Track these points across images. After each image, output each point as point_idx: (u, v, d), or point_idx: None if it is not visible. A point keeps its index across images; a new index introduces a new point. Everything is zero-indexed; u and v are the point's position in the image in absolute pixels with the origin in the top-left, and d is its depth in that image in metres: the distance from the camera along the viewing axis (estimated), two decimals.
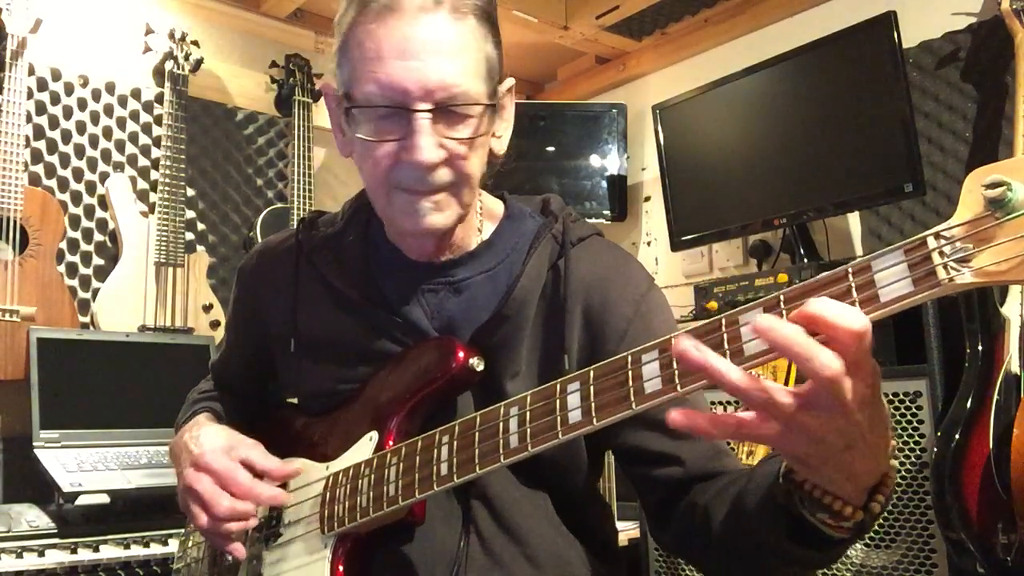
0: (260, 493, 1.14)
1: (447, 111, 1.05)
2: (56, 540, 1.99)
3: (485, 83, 1.08)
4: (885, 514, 2.04)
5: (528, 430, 0.92)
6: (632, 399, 0.83)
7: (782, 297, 0.74)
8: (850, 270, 0.70)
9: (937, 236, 0.67)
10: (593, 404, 0.86)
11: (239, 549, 1.16)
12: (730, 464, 1.11)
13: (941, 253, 0.66)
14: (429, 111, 1.04)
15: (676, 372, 0.79)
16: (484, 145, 1.12)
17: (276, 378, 1.33)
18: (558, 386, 0.91)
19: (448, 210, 1.11)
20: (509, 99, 1.17)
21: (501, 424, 0.95)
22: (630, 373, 0.84)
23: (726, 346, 0.76)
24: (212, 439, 1.21)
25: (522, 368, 1.14)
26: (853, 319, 0.69)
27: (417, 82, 1.03)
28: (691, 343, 0.73)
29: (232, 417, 1.35)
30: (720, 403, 2.39)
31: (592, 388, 0.87)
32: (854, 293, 0.70)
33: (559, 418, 0.89)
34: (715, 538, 1.02)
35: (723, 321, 0.76)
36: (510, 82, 1.16)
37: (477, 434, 0.97)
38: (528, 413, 0.92)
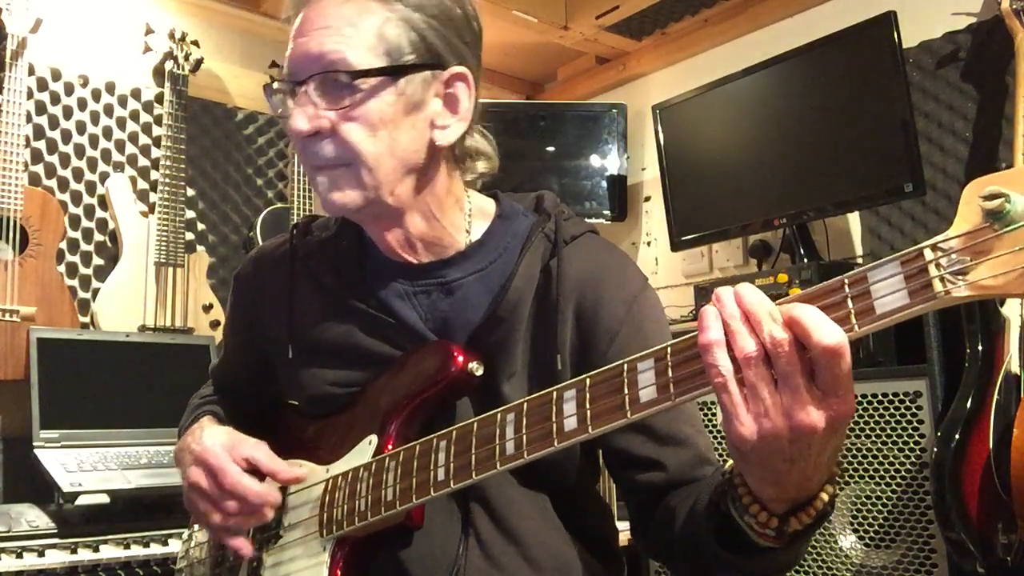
0: (247, 487, 1.14)
1: (329, 83, 1.07)
2: (56, 540, 1.99)
3: (378, 58, 1.07)
4: (885, 514, 2.04)
5: (524, 437, 0.92)
6: (627, 408, 0.83)
7: None
8: (846, 281, 0.70)
9: (934, 248, 0.66)
10: (589, 412, 0.86)
11: (245, 546, 1.16)
12: (711, 473, 1.11)
13: (938, 265, 0.65)
14: (303, 82, 1.07)
15: (671, 381, 0.80)
16: (382, 120, 1.08)
17: (275, 382, 1.34)
18: (554, 393, 0.91)
19: (348, 189, 1.10)
20: (462, 89, 1.13)
21: (497, 430, 0.95)
22: (626, 380, 0.83)
23: None
24: (213, 438, 1.21)
25: (518, 369, 1.14)
26: (827, 332, 0.70)
27: (301, 56, 1.08)
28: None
29: (234, 419, 1.35)
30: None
31: (588, 396, 0.87)
32: (849, 304, 0.70)
33: (555, 426, 0.89)
34: (676, 540, 1.03)
35: None
36: (456, 69, 1.13)
37: (474, 440, 0.97)
38: (524, 420, 0.92)
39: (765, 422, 0.74)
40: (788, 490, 0.80)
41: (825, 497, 0.82)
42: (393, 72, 1.08)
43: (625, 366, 0.84)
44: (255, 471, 1.17)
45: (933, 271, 0.66)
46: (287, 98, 1.11)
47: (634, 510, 1.17)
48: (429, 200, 1.16)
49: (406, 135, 1.10)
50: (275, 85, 1.14)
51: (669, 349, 0.81)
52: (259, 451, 1.18)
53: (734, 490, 0.85)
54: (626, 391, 0.83)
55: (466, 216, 1.22)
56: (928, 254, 0.66)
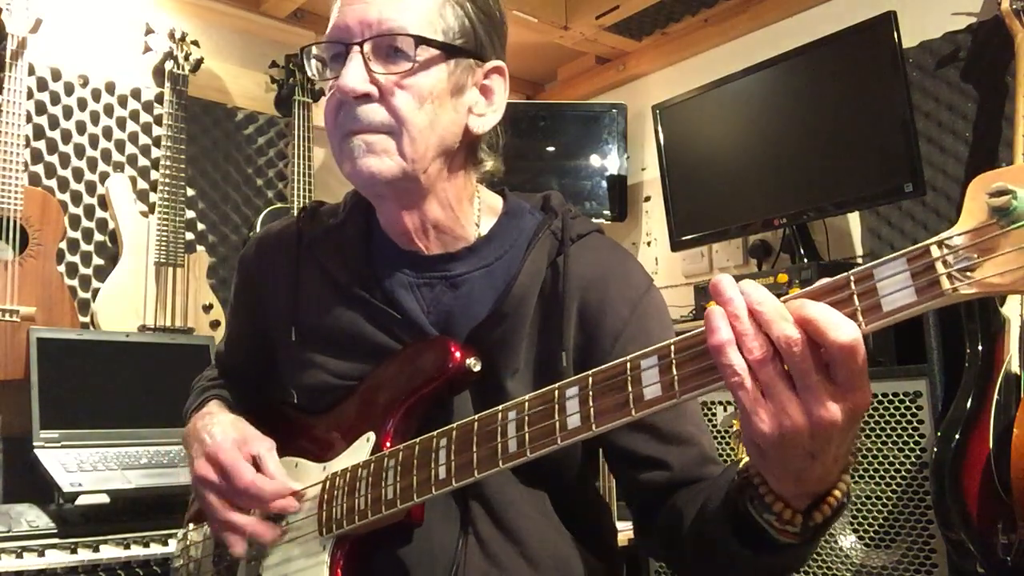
0: (262, 488, 1.12)
1: (386, 48, 1.08)
2: (56, 540, 1.99)
3: (435, 34, 1.10)
4: (885, 514, 2.04)
5: (527, 435, 0.91)
6: (631, 405, 0.82)
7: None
8: (852, 278, 0.70)
9: (940, 245, 0.66)
10: (592, 410, 0.86)
11: (239, 544, 1.15)
12: (716, 472, 1.10)
13: (944, 262, 0.65)
14: (361, 43, 1.08)
15: (676, 378, 0.79)
16: (431, 94, 1.10)
17: (276, 368, 1.33)
18: (557, 391, 0.90)
19: (384, 156, 1.09)
20: (498, 82, 1.17)
21: (500, 428, 0.94)
22: (629, 378, 0.83)
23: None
24: (225, 430, 1.20)
25: (521, 366, 1.13)
26: (842, 329, 0.69)
27: (356, 18, 1.08)
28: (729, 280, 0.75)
29: (238, 406, 1.34)
30: (720, 403, 2.39)
31: (591, 393, 0.87)
32: (856, 301, 0.69)
33: (558, 423, 0.88)
34: (685, 540, 1.02)
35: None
36: (495, 63, 1.17)
37: (475, 438, 0.96)
38: (527, 418, 0.92)
39: (785, 419, 0.74)
40: (809, 485, 0.80)
41: (843, 487, 0.82)
42: (448, 50, 1.10)
43: (629, 363, 0.84)
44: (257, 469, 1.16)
45: (940, 268, 0.65)
46: (328, 63, 1.13)
47: (637, 510, 1.17)
48: (448, 187, 1.17)
49: (448, 116, 1.12)
50: (314, 49, 1.14)
51: (673, 346, 0.80)
52: (264, 450, 1.17)
53: (753, 489, 0.85)
54: (630, 388, 0.83)
55: (476, 211, 1.22)
56: (935, 251, 0.65)
